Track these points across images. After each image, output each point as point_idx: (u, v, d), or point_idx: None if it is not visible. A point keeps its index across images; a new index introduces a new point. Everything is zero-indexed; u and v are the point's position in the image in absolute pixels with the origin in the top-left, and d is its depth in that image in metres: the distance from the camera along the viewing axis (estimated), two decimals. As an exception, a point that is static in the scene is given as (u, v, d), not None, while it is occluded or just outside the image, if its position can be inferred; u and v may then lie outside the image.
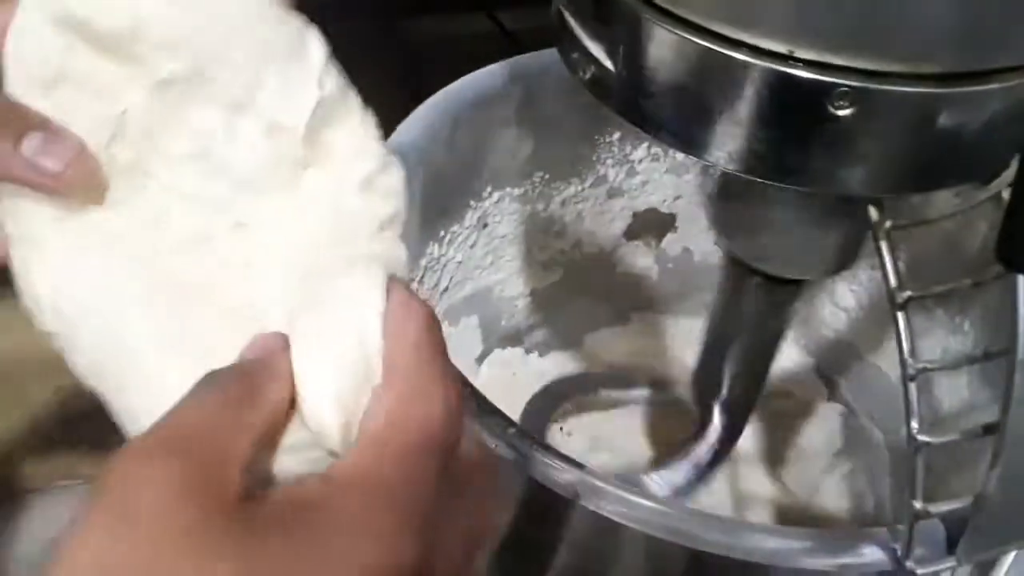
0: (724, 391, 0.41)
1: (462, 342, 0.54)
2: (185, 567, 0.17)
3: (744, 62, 0.25)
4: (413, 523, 0.19)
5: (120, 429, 0.24)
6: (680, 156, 0.51)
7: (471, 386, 0.34)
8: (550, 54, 0.47)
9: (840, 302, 0.53)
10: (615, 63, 0.28)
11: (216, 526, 0.18)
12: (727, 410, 0.41)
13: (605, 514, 0.30)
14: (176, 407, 0.19)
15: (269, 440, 0.20)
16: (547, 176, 0.51)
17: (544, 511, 0.33)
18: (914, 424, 0.27)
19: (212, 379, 0.20)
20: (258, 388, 0.20)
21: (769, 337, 0.39)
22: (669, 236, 0.57)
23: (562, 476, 0.31)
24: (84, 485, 0.61)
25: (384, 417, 0.20)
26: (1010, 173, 0.27)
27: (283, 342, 0.21)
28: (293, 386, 0.21)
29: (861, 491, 0.51)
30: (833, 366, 0.56)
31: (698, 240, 0.57)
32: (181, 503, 0.18)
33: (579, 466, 0.31)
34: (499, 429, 0.32)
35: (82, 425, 0.59)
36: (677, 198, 0.55)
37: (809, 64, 0.24)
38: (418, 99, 0.76)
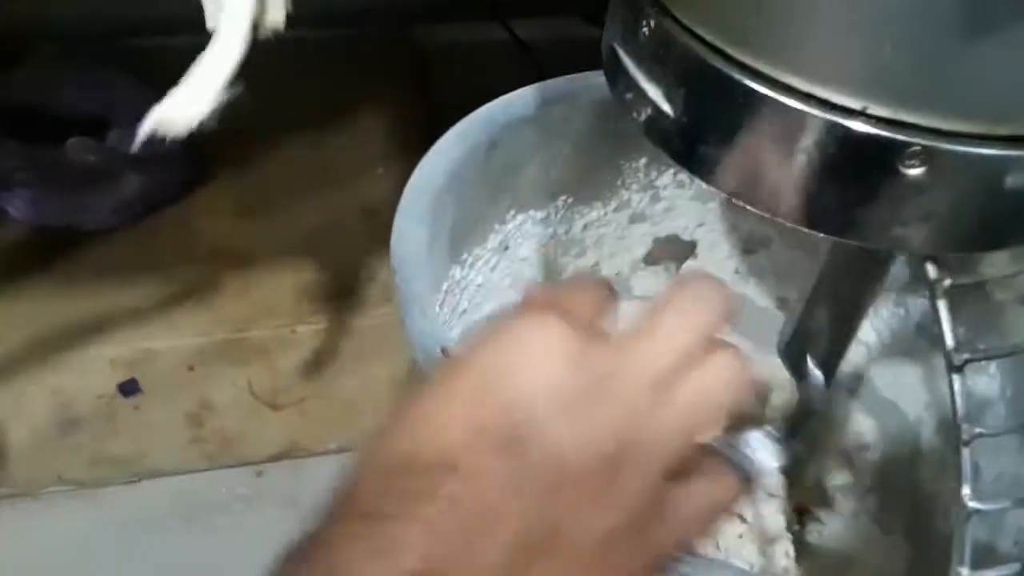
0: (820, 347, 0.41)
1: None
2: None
3: (813, 115, 0.24)
4: None
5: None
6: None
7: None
8: (581, 78, 0.46)
9: (861, 336, 0.53)
10: (673, 107, 0.27)
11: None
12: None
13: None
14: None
15: None
16: (571, 200, 0.50)
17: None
18: (966, 490, 0.26)
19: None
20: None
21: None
22: (689, 262, 0.56)
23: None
24: (76, 490, 0.60)
25: None
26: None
27: None
28: None
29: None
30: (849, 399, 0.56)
31: (718, 268, 0.56)
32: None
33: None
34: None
35: (76, 431, 0.58)
36: (700, 225, 0.54)
37: (881, 121, 0.23)
38: (430, 107, 0.75)
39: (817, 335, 0.40)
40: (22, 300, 0.58)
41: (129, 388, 0.57)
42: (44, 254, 0.60)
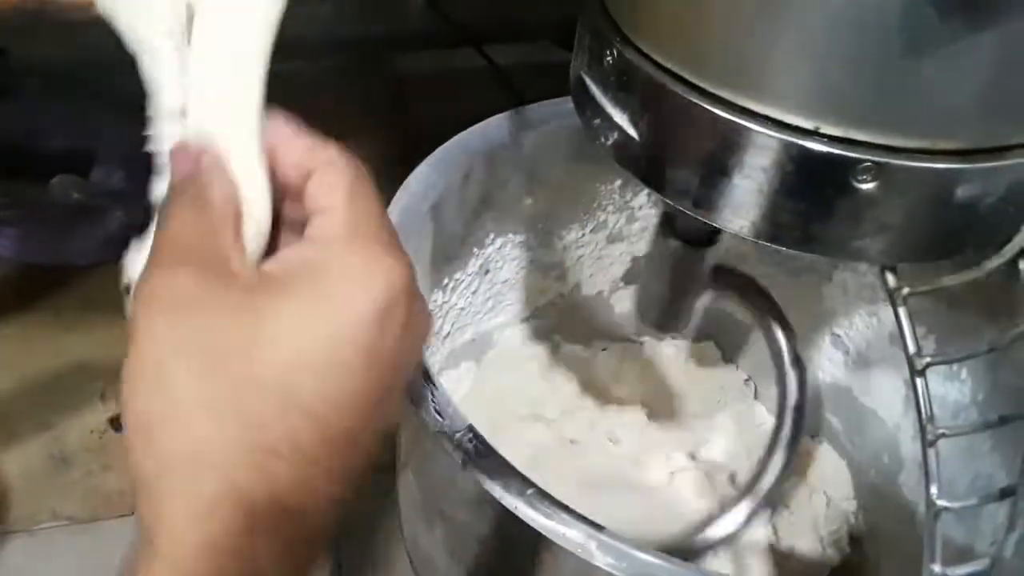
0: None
1: (461, 385, 0.54)
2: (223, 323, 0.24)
3: (769, 136, 0.25)
4: (393, 247, 0.26)
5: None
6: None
7: (482, 439, 0.34)
8: (555, 104, 0.48)
9: (837, 345, 0.54)
10: (638, 132, 0.28)
11: (232, 294, 0.24)
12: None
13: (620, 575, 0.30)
14: (158, 237, 0.26)
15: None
16: (549, 222, 0.52)
17: (557, 568, 0.33)
18: (933, 489, 0.27)
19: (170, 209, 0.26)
20: (210, 200, 0.25)
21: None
22: (667, 280, 0.57)
23: (578, 536, 0.31)
24: (71, 525, 0.60)
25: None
26: (1021, 238, 0.28)
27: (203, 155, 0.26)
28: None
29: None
30: (828, 408, 0.57)
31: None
32: (199, 291, 0.24)
33: (598, 527, 0.31)
34: (515, 489, 0.32)
35: (69, 466, 0.58)
36: (676, 243, 0.55)
37: (834, 139, 0.25)
38: (407, 134, 0.76)
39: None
40: (11, 337, 0.59)
41: (121, 422, 0.57)
42: (32, 291, 0.60)
